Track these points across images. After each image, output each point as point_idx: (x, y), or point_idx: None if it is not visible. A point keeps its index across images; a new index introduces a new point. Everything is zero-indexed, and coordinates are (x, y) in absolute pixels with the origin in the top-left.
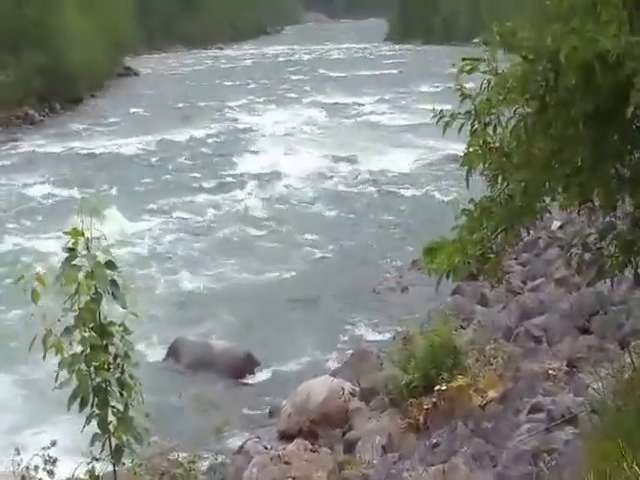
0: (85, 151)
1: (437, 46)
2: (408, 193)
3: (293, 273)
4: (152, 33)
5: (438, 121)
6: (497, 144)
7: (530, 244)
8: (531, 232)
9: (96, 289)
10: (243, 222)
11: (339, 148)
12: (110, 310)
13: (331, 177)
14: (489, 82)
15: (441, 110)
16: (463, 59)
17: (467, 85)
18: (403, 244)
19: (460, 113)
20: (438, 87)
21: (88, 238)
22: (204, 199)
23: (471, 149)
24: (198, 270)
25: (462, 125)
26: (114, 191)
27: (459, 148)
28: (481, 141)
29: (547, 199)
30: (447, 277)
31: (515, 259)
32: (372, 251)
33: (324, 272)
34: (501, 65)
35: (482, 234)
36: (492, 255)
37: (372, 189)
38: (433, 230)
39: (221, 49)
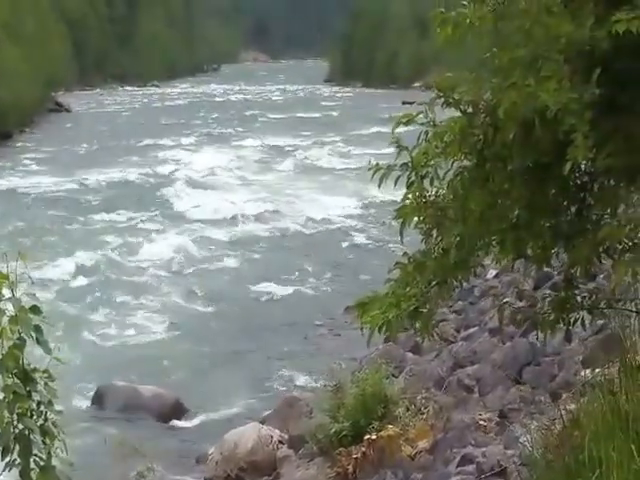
0: (10, 189)
1: (377, 89)
2: (343, 239)
3: (222, 317)
4: (85, 69)
5: (374, 174)
6: (432, 197)
7: (465, 292)
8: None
9: (20, 334)
10: (167, 265)
11: (273, 191)
12: (33, 354)
13: (263, 221)
14: (427, 134)
15: (377, 163)
16: (403, 102)
17: (410, 128)
18: (336, 290)
19: (396, 165)
20: (376, 130)
21: (12, 282)
22: (126, 240)
23: (407, 202)
24: (122, 313)
25: (398, 177)
26: (34, 233)
27: (399, 194)
28: (417, 194)
29: (481, 253)
30: (379, 332)
31: (450, 307)
32: (303, 297)
33: (254, 317)
34: (441, 116)
35: (416, 289)
36: (425, 310)
37: (306, 234)
38: (367, 277)
39: (156, 86)
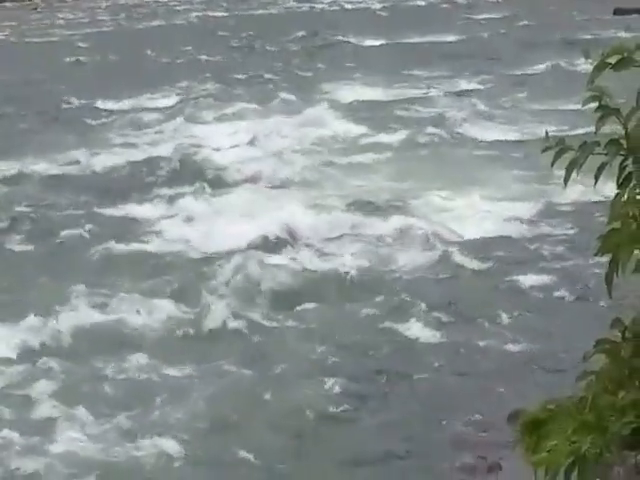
0: None
1: None
2: None
3: None
4: None
5: (555, 160)
6: None
7: None
8: None
9: None
10: None
11: None
12: None
13: None
14: None
15: (559, 140)
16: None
17: None
18: None
19: (598, 143)
20: None
21: None
22: None
23: (619, 222)
24: None
25: (603, 165)
26: None
27: None
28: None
29: None
30: (566, 476)
31: None
32: None
33: None
34: None
35: (636, 392)
36: None
37: None
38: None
39: None
